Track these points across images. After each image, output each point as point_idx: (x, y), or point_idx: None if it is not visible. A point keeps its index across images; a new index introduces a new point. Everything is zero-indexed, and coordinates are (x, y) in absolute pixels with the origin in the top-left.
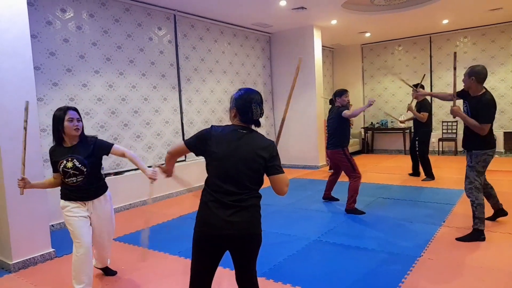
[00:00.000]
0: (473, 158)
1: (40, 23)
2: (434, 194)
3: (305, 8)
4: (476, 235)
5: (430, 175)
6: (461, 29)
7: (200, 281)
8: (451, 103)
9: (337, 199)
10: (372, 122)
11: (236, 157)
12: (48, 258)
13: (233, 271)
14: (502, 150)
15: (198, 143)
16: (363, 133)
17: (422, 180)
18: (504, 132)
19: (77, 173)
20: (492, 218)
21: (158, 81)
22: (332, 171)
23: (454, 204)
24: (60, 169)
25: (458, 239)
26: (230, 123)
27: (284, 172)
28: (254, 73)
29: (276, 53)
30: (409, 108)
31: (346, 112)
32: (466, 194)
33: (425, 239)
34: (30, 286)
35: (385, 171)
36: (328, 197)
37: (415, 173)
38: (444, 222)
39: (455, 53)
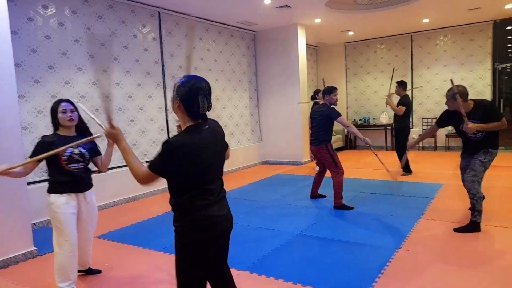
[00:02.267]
0: (487, 155)
1: (21, 19)
2: (413, 188)
3: (290, 7)
4: (473, 226)
5: (407, 170)
6: (441, 28)
7: None
8: (432, 100)
9: (324, 196)
10: (355, 119)
11: (215, 154)
12: (30, 256)
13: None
14: None
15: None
16: (346, 129)
17: (401, 175)
18: None
19: (81, 160)
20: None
21: (143, 79)
22: (318, 168)
23: (433, 198)
24: (66, 156)
25: (455, 229)
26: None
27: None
28: (239, 70)
29: (261, 51)
30: (387, 102)
31: (342, 120)
32: (467, 186)
33: (404, 232)
34: (11, 285)
35: (367, 166)
36: (315, 196)
37: (406, 169)
38: (422, 215)
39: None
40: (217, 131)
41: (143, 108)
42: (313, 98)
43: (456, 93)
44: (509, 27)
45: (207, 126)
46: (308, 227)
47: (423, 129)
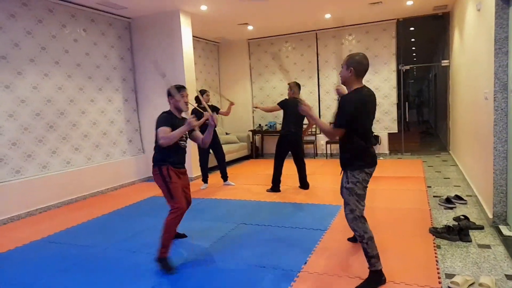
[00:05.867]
0: (349, 178)
1: None
2: (307, 213)
3: None
4: (374, 278)
5: (275, 187)
6: (346, 26)
7: None
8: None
9: (183, 236)
10: (260, 124)
11: None
12: None
13: None
14: (387, 152)
15: None
16: (251, 136)
17: (267, 190)
18: (388, 133)
19: None
20: (354, 239)
21: None
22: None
23: (325, 230)
24: None
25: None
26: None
27: None
28: (106, 65)
29: (139, 43)
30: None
31: (159, 134)
32: (349, 226)
33: None
34: None
35: (265, 181)
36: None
37: (301, 184)
38: (305, 263)
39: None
40: None
41: None
42: (197, 99)
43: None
44: (412, 28)
45: None
46: None
47: None
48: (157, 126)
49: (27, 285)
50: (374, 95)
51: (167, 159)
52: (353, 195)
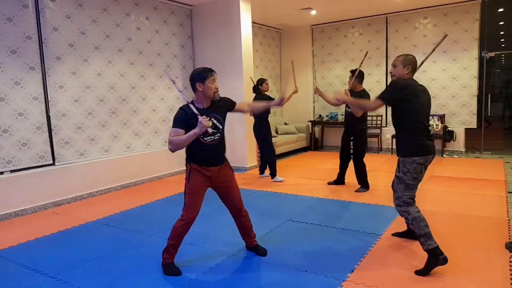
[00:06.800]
0: (400, 167)
1: None
2: (362, 214)
3: None
4: (431, 259)
5: (365, 185)
6: (420, 8)
7: None
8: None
9: (263, 253)
10: (320, 115)
11: None
12: None
13: None
14: (463, 149)
15: None
16: (310, 127)
17: (355, 191)
18: (466, 129)
19: None
20: (400, 235)
21: (5, 59)
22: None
23: (380, 235)
24: None
25: (417, 272)
26: None
27: None
28: (167, 53)
29: (200, 31)
30: (346, 94)
31: (169, 136)
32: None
33: None
34: None
35: (320, 175)
36: (252, 247)
37: (338, 180)
38: (352, 271)
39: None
40: None
41: (5, 99)
42: (255, 89)
43: None
44: (500, 9)
45: None
46: None
47: None
48: (172, 126)
49: (71, 267)
50: (427, 91)
51: (190, 156)
52: (402, 183)
